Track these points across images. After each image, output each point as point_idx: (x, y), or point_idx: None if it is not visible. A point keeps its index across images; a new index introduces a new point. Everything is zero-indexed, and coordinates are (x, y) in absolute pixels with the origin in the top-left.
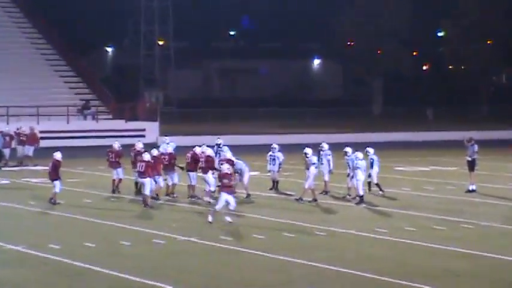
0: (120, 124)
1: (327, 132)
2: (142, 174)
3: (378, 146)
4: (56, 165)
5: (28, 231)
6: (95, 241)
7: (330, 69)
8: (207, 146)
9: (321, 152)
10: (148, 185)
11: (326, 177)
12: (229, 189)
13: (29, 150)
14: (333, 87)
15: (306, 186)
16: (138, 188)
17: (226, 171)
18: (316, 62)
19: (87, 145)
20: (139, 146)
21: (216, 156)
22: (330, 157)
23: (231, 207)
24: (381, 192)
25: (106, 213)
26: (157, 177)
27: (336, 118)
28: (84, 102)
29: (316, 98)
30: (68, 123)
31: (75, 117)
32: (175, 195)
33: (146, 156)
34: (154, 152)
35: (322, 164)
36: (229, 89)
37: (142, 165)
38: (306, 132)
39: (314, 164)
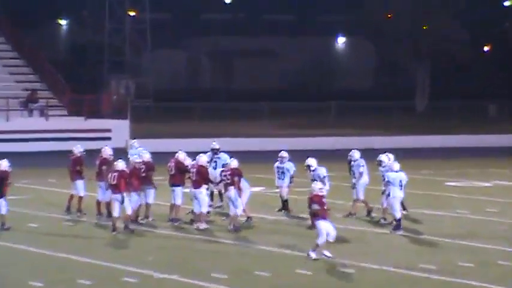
0: (77, 123)
1: (354, 134)
2: (115, 189)
3: (422, 152)
4: (2, 178)
5: None
6: (44, 279)
7: (359, 51)
8: (201, 154)
9: (352, 163)
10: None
11: (361, 195)
12: (326, 215)
13: None
14: (363, 75)
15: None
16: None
17: (317, 192)
18: (341, 40)
19: (33, 150)
20: (106, 152)
21: (211, 166)
22: (363, 168)
23: (331, 239)
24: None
25: (60, 241)
26: (133, 193)
27: (366, 116)
28: (29, 93)
29: (341, 89)
30: (7, 120)
31: (17, 113)
32: (150, 219)
33: (120, 164)
34: (135, 160)
35: (354, 177)
36: (224, 77)
37: (114, 176)
38: (326, 135)
39: (324, 177)
